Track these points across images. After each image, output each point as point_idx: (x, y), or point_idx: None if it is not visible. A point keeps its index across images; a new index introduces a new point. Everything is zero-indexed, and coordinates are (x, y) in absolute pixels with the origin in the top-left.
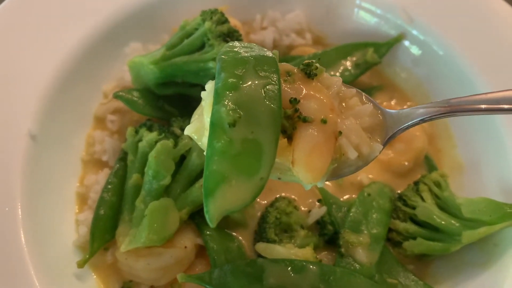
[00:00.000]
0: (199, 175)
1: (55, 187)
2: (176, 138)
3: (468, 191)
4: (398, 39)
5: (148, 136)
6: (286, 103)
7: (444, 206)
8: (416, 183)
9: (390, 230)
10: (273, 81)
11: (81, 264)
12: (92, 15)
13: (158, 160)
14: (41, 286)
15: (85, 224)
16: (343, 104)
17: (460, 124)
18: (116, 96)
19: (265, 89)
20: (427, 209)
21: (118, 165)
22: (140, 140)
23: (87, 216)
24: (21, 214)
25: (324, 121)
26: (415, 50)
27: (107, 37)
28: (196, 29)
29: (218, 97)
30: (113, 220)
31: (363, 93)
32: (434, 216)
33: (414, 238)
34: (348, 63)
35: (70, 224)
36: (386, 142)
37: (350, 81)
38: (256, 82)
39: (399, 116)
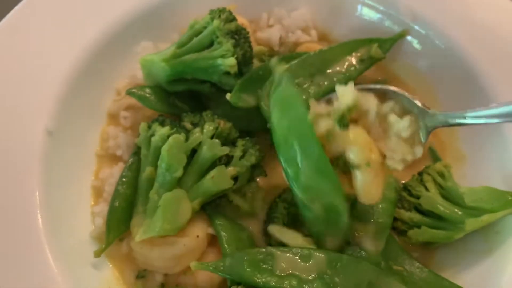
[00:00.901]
0: (210, 167)
1: (71, 181)
2: (187, 132)
3: (471, 180)
4: (402, 34)
5: (161, 131)
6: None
7: (448, 195)
8: (420, 174)
9: (395, 219)
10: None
11: (97, 254)
12: (104, 15)
13: (170, 154)
14: (60, 275)
15: (100, 216)
16: (385, 122)
17: None
18: (129, 93)
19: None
20: (431, 198)
21: (131, 159)
22: (153, 134)
23: (103, 208)
24: (39, 206)
25: (368, 165)
26: (417, 45)
27: (119, 37)
28: (205, 27)
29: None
30: (127, 211)
31: (394, 89)
32: (438, 205)
33: (419, 226)
34: (353, 59)
35: (86, 216)
36: (426, 140)
37: (355, 76)
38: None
39: (431, 116)
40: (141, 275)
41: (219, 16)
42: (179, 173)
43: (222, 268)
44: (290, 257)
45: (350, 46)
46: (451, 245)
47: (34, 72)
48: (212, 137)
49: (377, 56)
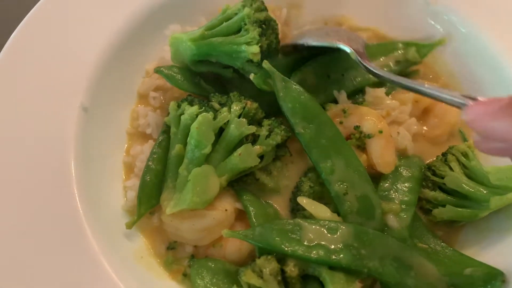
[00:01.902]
0: (237, 145)
1: (104, 156)
2: (215, 112)
3: (495, 161)
4: (441, 42)
5: (190, 110)
6: (352, 130)
7: (472, 175)
8: (444, 154)
9: (420, 199)
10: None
11: (129, 226)
12: None
13: (199, 131)
14: (98, 246)
15: (132, 189)
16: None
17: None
18: (157, 71)
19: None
20: (456, 177)
21: (161, 137)
22: (182, 113)
23: (134, 182)
24: (75, 179)
25: (380, 131)
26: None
27: (149, 20)
28: (236, 13)
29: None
30: (158, 186)
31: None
32: (463, 184)
33: (443, 205)
34: (389, 60)
35: (118, 190)
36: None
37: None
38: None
39: None
40: (172, 246)
41: (251, 5)
42: (207, 149)
43: (252, 236)
44: (318, 229)
45: (388, 47)
46: (475, 223)
47: (70, 52)
48: (239, 117)
49: (413, 59)
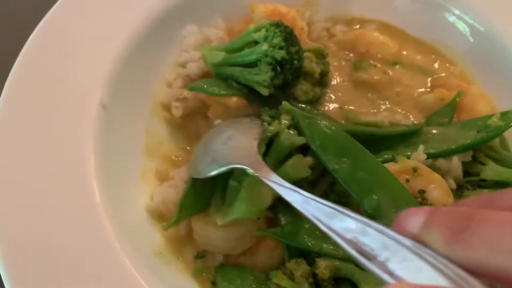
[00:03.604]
0: (287, 155)
1: (123, 155)
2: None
3: None
4: None
5: None
6: (415, 193)
7: (505, 164)
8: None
9: None
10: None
11: (166, 227)
12: None
13: None
14: (119, 244)
15: (160, 195)
16: None
17: None
18: (191, 89)
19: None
20: (492, 168)
21: None
22: None
23: (165, 190)
24: (95, 175)
25: (445, 206)
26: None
27: (165, 20)
28: (257, 42)
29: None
30: (201, 197)
31: None
32: (502, 173)
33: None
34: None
35: (138, 187)
36: None
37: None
38: None
39: None
40: (201, 255)
41: (272, 39)
42: None
43: (280, 233)
44: None
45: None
46: None
47: (89, 50)
48: (288, 128)
49: (496, 126)
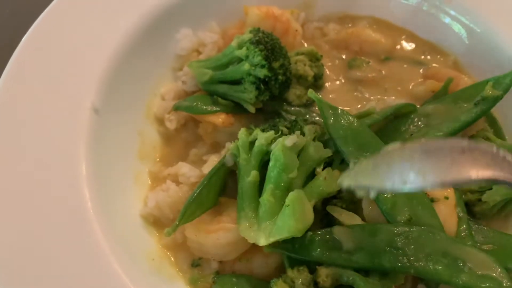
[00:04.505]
0: (313, 170)
1: (116, 160)
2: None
3: None
4: None
5: (265, 135)
6: None
7: None
8: None
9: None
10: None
11: (169, 233)
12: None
13: (285, 154)
14: (110, 251)
15: (154, 199)
16: None
17: None
18: (177, 108)
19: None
20: None
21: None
22: (254, 139)
23: (159, 194)
24: (86, 180)
25: (446, 198)
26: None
27: (160, 23)
28: (242, 59)
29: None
30: (204, 204)
31: None
32: None
33: (490, 188)
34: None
35: (130, 192)
36: None
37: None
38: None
39: None
40: (196, 263)
41: (253, 57)
42: (294, 173)
43: (292, 249)
44: (357, 234)
45: (462, 96)
46: None
47: (80, 55)
48: (313, 140)
49: (492, 95)
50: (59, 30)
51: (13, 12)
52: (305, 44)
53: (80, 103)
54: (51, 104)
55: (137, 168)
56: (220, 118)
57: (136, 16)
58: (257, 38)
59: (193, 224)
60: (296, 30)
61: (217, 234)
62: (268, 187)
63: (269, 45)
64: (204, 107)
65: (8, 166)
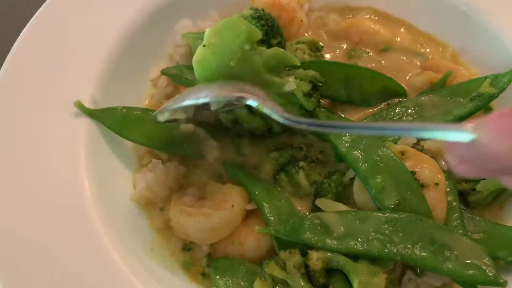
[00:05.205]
0: None
1: (114, 146)
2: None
3: None
4: None
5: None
6: None
7: None
8: None
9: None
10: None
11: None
12: None
13: None
14: (109, 240)
15: (143, 181)
16: None
17: None
18: (164, 73)
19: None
20: None
21: None
22: None
23: (145, 175)
24: (85, 169)
25: (436, 184)
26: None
27: (159, 14)
28: None
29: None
30: None
31: None
32: None
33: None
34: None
35: (127, 182)
36: None
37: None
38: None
39: None
40: (188, 247)
41: None
42: None
43: (283, 231)
44: (347, 219)
45: (464, 87)
46: None
47: (79, 48)
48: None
49: (489, 93)
50: (56, 25)
51: (12, 8)
52: (306, 34)
53: (79, 96)
54: (50, 99)
55: (136, 160)
56: None
57: (134, 8)
58: (258, 14)
59: (176, 205)
60: (301, 21)
61: (198, 218)
62: None
63: (269, 22)
64: (190, 76)
65: (6, 159)
